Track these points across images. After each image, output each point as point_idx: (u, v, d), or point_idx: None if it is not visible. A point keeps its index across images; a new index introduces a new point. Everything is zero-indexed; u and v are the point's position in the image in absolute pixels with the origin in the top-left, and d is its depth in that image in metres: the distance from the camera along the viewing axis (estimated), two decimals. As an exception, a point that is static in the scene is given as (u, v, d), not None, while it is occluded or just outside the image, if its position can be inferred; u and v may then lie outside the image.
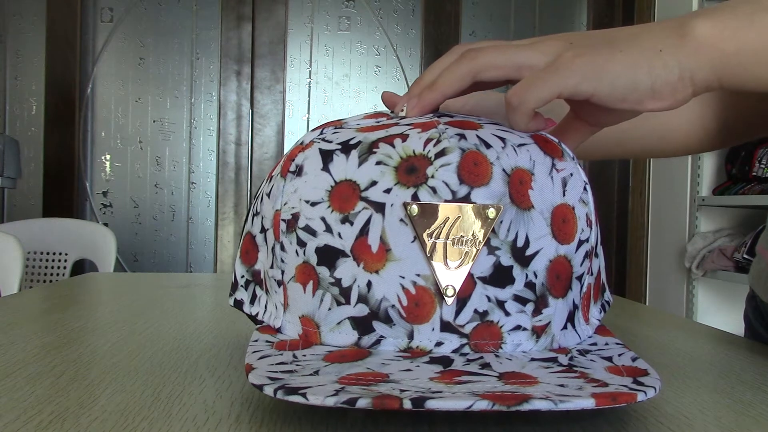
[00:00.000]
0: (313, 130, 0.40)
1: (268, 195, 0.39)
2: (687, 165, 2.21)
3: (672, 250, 2.29)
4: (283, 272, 0.37)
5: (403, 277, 0.34)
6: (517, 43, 0.40)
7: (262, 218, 0.39)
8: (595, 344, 0.38)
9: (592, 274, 0.39)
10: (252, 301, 0.40)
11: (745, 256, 1.95)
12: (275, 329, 0.38)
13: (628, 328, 0.61)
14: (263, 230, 0.39)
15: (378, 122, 0.39)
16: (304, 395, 0.27)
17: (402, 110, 0.41)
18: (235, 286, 0.41)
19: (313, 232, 0.35)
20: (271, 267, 0.38)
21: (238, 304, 0.41)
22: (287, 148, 2.40)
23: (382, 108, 2.42)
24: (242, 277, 0.41)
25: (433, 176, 0.34)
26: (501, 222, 0.34)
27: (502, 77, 0.40)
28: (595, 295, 0.41)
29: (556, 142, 0.39)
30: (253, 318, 0.40)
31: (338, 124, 0.40)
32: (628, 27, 0.40)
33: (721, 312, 2.20)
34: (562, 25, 2.54)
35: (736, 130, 0.63)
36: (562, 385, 0.30)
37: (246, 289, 0.41)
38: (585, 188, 0.38)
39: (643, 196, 2.44)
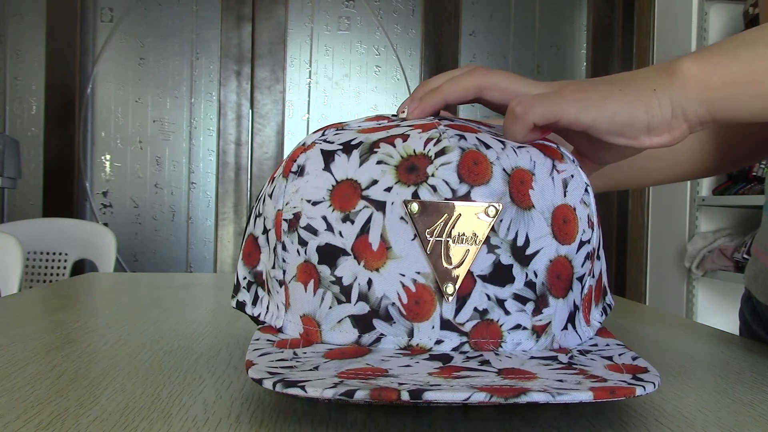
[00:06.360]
0: (315, 132, 0.41)
1: (270, 196, 0.39)
2: (687, 165, 2.20)
3: (672, 250, 2.29)
4: (284, 272, 0.37)
5: (404, 275, 0.34)
6: (527, 79, 0.43)
7: (264, 219, 0.40)
8: (595, 345, 0.38)
9: (593, 276, 0.39)
10: (254, 303, 0.40)
11: (745, 256, 1.95)
12: (276, 329, 0.38)
13: (628, 328, 0.61)
14: (265, 231, 0.39)
15: (379, 124, 0.40)
16: (302, 387, 0.28)
17: (404, 111, 0.42)
18: (237, 288, 0.42)
19: (314, 231, 0.36)
20: (273, 267, 0.38)
21: (241, 306, 0.41)
22: (287, 148, 2.40)
23: (382, 109, 2.42)
24: (244, 278, 0.41)
25: (433, 175, 0.35)
26: (501, 221, 0.35)
27: (504, 101, 0.42)
28: (596, 297, 0.41)
29: (555, 146, 0.40)
30: (255, 319, 0.40)
31: (339, 126, 0.40)
32: (625, 72, 0.42)
33: (720, 312, 2.20)
34: (562, 26, 2.54)
35: (743, 153, 0.65)
36: (560, 380, 0.30)
37: (248, 291, 0.41)
38: (586, 190, 0.39)
39: (643, 196, 2.44)
